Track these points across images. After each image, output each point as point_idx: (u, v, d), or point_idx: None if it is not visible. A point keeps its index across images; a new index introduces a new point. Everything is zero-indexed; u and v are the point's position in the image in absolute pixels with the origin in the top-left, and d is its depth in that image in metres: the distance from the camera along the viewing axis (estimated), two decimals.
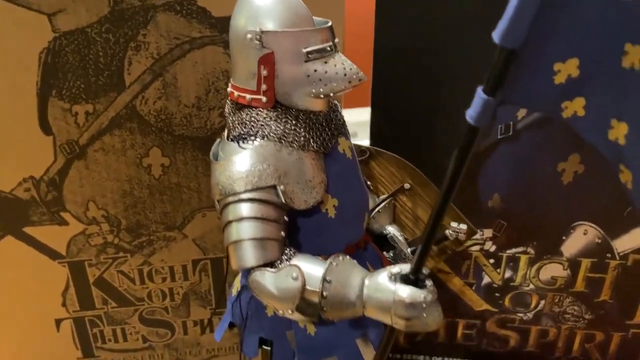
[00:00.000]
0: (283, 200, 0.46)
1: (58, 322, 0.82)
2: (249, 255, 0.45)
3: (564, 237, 0.79)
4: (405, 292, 0.42)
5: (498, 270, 0.83)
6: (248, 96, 0.48)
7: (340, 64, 0.47)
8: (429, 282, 0.43)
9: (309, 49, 0.46)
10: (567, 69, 0.37)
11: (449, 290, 0.85)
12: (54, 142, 0.69)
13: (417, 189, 0.63)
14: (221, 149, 0.50)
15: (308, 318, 0.47)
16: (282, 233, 0.47)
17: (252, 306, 0.52)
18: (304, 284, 0.44)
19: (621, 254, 0.79)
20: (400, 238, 0.61)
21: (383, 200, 0.63)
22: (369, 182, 0.64)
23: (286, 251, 0.46)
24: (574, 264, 0.81)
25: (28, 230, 0.74)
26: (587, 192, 0.75)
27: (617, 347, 0.87)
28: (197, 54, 0.66)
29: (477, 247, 0.81)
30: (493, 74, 0.36)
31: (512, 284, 0.84)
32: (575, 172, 0.74)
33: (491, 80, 0.36)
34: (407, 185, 0.64)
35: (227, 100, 0.52)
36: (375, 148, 0.64)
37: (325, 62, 0.47)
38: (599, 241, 0.79)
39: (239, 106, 0.50)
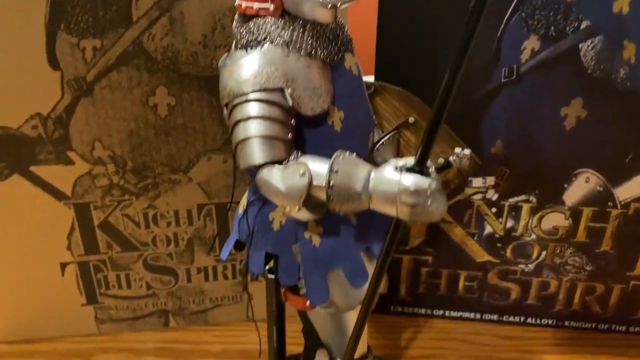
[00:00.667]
0: (290, 104, 0.47)
1: (63, 266, 0.83)
2: (257, 153, 0.46)
3: (565, 185, 0.79)
4: (410, 180, 0.42)
5: (500, 219, 0.83)
6: (256, 5, 0.49)
7: None
8: (433, 173, 0.44)
9: None
10: None
11: (451, 240, 0.86)
12: (62, 78, 0.69)
13: (422, 123, 0.64)
14: (229, 57, 0.51)
15: (314, 215, 0.48)
16: (290, 136, 0.47)
17: (258, 221, 0.52)
18: (311, 180, 0.45)
19: (622, 203, 0.80)
20: None
21: (387, 134, 0.64)
22: (373, 117, 0.64)
23: (293, 152, 0.47)
24: (575, 213, 0.81)
25: (34, 169, 0.75)
26: (590, 138, 0.76)
27: (617, 299, 0.88)
28: None
29: (479, 196, 0.82)
30: None
31: (513, 234, 0.84)
32: (577, 117, 0.75)
33: None
34: (411, 119, 0.64)
35: (235, 16, 0.53)
36: (380, 83, 0.65)
37: None
38: (601, 189, 0.79)
39: (246, 17, 0.51)
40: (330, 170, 0.45)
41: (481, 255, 0.87)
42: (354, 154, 0.46)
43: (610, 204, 0.80)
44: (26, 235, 0.79)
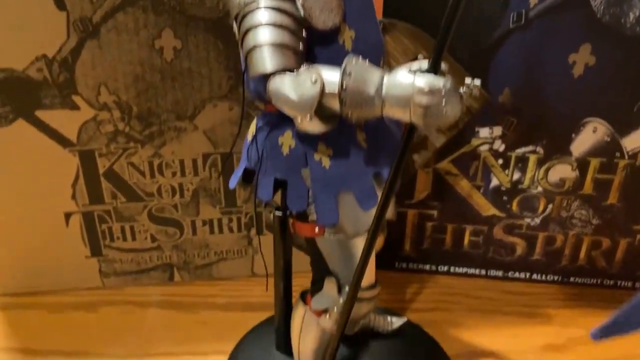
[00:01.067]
0: (302, 13, 0.46)
1: (67, 216, 0.82)
2: (267, 60, 0.45)
3: (573, 135, 0.79)
4: (423, 80, 0.42)
5: (506, 171, 0.83)
6: None
7: None
8: (447, 74, 0.43)
9: None
10: None
11: (457, 194, 0.86)
12: (67, 19, 0.69)
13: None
14: None
15: (326, 126, 0.47)
16: (301, 47, 0.47)
17: (267, 146, 0.52)
18: (323, 87, 0.45)
19: (630, 153, 0.79)
20: None
21: None
22: (383, 41, 0.63)
23: (304, 64, 0.47)
24: (582, 164, 0.81)
25: (39, 114, 0.74)
26: (598, 86, 0.75)
27: (623, 254, 0.87)
28: None
29: (486, 147, 0.81)
30: None
31: (520, 186, 0.84)
32: (586, 64, 0.74)
33: None
34: (420, 57, 0.64)
35: None
36: (388, 20, 0.64)
37: None
38: (608, 139, 0.79)
39: None
40: (344, 72, 0.44)
41: (487, 208, 0.86)
42: (367, 59, 0.46)
43: (617, 154, 0.80)
44: (30, 183, 0.78)
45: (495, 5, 0.72)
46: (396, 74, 0.43)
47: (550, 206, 0.85)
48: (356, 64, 0.45)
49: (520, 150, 0.81)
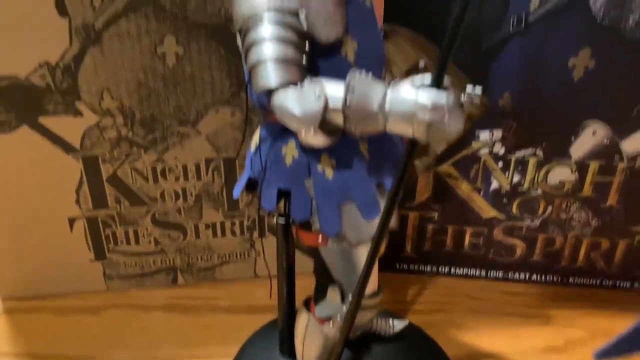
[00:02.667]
0: (305, 27, 0.47)
1: (71, 221, 0.83)
2: (272, 75, 0.46)
3: (572, 138, 0.80)
4: (426, 96, 0.42)
5: (506, 174, 0.84)
6: None
7: None
8: (451, 89, 0.43)
9: None
10: None
11: (457, 196, 0.86)
12: (70, 25, 0.69)
13: (432, 64, 0.64)
14: None
15: (329, 139, 0.48)
16: (304, 60, 0.47)
17: (270, 156, 0.52)
18: (326, 101, 0.45)
19: (629, 156, 0.80)
20: None
21: (398, 77, 0.64)
22: (385, 51, 0.64)
23: (307, 77, 0.47)
24: (582, 167, 0.82)
25: (43, 120, 0.75)
26: (597, 90, 0.76)
27: (622, 255, 0.88)
28: None
29: (486, 150, 0.82)
30: None
31: (520, 189, 0.85)
32: (585, 68, 0.75)
33: None
34: (421, 64, 0.64)
35: None
36: (389, 26, 0.65)
37: None
38: (607, 142, 0.79)
39: None
40: (347, 88, 0.44)
41: (487, 211, 0.87)
42: (370, 73, 0.46)
43: (616, 157, 0.80)
44: (34, 188, 0.79)
45: (495, 10, 0.73)
46: (399, 89, 0.44)
47: (549, 208, 0.86)
48: (359, 79, 0.45)
49: (520, 153, 0.82)
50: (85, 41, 0.70)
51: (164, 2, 0.69)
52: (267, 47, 0.46)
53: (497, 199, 0.86)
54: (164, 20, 0.70)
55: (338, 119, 0.46)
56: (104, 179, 0.80)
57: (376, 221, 0.51)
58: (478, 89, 0.49)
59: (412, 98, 0.43)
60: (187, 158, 0.80)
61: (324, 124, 0.46)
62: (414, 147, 0.44)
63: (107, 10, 0.69)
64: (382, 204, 0.52)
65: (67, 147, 0.77)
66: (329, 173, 0.51)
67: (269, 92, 0.47)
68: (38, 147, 0.76)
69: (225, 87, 0.76)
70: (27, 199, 0.80)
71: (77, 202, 0.81)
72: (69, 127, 0.76)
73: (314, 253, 0.58)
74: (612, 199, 0.84)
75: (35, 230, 0.83)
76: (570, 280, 0.92)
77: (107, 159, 0.79)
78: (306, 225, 0.54)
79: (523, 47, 0.74)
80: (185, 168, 0.81)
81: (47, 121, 0.75)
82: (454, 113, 0.42)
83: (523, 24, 0.73)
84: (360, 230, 0.53)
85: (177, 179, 0.82)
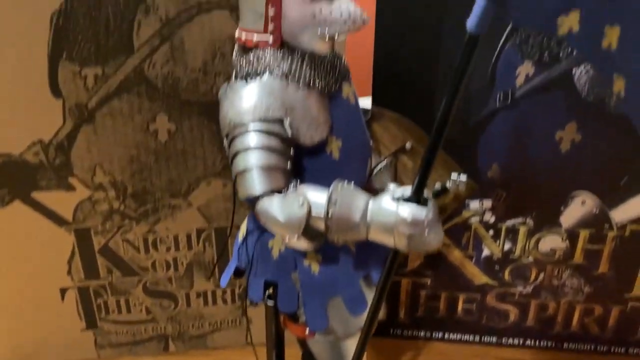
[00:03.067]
0: (290, 134, 0.48)
1: (63, 291, 0.83)
2: (256, 183, 0.47)
3: (562, 208, 0.80)
4: (407, 211, 0.43)
5: (497, 242, 0.84)
6: (255, 37, 0.50)
7: (346, 5, 0.49)
8: (430, 203, 0.44)
9: None
10: None
11: (449, 263, 0.86)
12: (64, 105, 0.70)
13: (419, 148, 0.65)
14: (229, 87, 0.52)
15: (313, 244, 0.48)
16: (289, 166, 0.48)
17: (257, 249, 0.53)
18: (309, 210, 0.46)
19: (619, 225, 0.80)
20: None
21: (384, 159, 0.65)
22: (371, 143, 0.65)
23: (292, 182, 0.48)
24: (572, 235, 0.82)
25: (36, 195, 0.75)
26: (585, 161, 0.77)
27: (615, 321, 0.88)
28: (205, 18, 0.68)
29: (476, 218, 0.82)
30: None
31: (511, 256, 0.85)
32: (572, 141, 0.76)
33: None
34: (408, 145, 0.65)
35: (235, 46, 0.54)
36: (377, 108, 0.66)
37: (331, 3, 0.48)
38: (597, 211, 0.80)
39: (246, 49, 0.51)
40: (329, 201, 0.45)
41: (479, 277, 0.87)
42: (352, 183, 0.47)
43: (606, 225, 0.81)
44: (27, 260, 0.79)
45: (481, 86, 0.74)
46: (381, 201, 0.45)
47: (541, 275, 0.86)
48: (342, 190, 0.46)
49: (510, 222, 0.82)
50: (79, 120, 0.71)
51: (156, 82, 0.71)
52: (253, 155, 0.47)
53: (489, 265, 0.86)
54: (156, 99, 0.72)
55: (321, 225, 0.46)
56: (96, 250, 0.80)
57: (364, 314, 0.51)
58: (463, 176, 0.51)
59: (392, 210, 0.43)
60: (179, 229, 0.81)
61: (307, 231, 0.47)
62: (396, 255, 0.44)
63: (100, 91, 0.70)
64: (369, 295, 0.52)
65: (59, 221, 0.77)
66: (315, 268, 0.51)
67: (254, 199, 0.47)
68: (31, 221, 0.76)
69: (217, 160, 0.77)
70: (20, 270, 0.80)
71: (69, 272, 0.81)
72: (62, 201, 0.76)
73: (301, 341, 0.58)
74: (603, 266, 0.84)
75: (27, 301, 0.82)
76: (565, 345, 0.91)
77: (99, 231, 0.79)
78: (293, 316, 0.54)
79: (510, 120, 0.75)
80: (176, 238, 0.81)
81: (40, 196, 0.75)
82: (434, 227, 0.43)
83: (509, 99, 0.74)
84: (347, 324, 0.53)
85: (168, 249, 0.82)
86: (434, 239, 0.43)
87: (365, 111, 0.66)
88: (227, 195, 0.79)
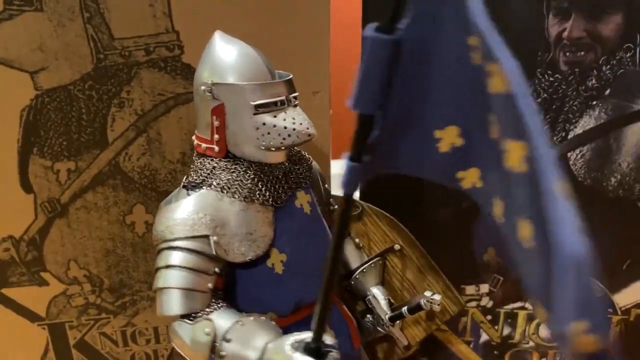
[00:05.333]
0: (214, 252, 0.47)
1: None
2: (174, 305, 0.47)
3: None
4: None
5: (496, 327, 0.80)
6: (203, 145, 0.51)
7: (291, 118, 0.48)
8: (332, 352, 0.43)
9: (257, 102, 0.48)
10: (448, 137, 0.36)
11: (447, 349, 0.82)
12: (35, 201, 0.67)
13: (407, 251, 0.61)
14: (174, 196, 0.53)
15: None
16: (210, 285, 0.48)
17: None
18: (214, 339, 0.45)
19: (623, 309, 0.77)
20: (383, 301, 0.59)
21: (369, 260, 0.61)
22: (357, 240, 0.62)
23: (212, 303, 0.48)
24: None
25: (6, 291, 0.72)
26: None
27: None
28: (182, 109, 0.65)
29: (473, 303, 0.78)
30: (355, 139, 0.36)
31: (511, 341, 0.80)
32: None
33: (354, 146, 0.36)
34: (397, 247, 0.62)
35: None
36: (368, 205, 0.63)
37: (275, 116, 0.48)
38: (600, 296, 0.76)
39: (198, 154, 0.52)
40: (223, 338, 0.45)
41: None
42: (261, 317, 0.47)
43: (610, 310, 0.77)
44: None
45: None
46: (281, 344, 0.44)
47: None
48: (242, 325, 0.45)
49: (508, 307, 0.78)
50: (51, 214, 0.68)
51: (133, 174, 0.68)
52: (173, 275, 0.47)
53: (487, 351, 0.82)
54: (133, 191, 0.69)
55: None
56: (71, 345, 0.76)
57: None
58: (436, 296, 0.54)
59: (288, 356, 0.43)
60: (159, 320, 0.76)
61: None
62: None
63: (73, 185, 0.67)
64: None
65: (32, 316, 0.73)
66: None
67: (169, 318, 0.48)
68: (1, 317, 0.72)
69: None
70: None
71: None
72: (34, 297, 0.72)
73: None
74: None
75: None
76: None
77: (74, 325, 0.75)
78: None
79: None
80: (156, 330, 0.77)
81: (10, 292, 0.72)
82: None
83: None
84: None
85: (148, 341, 0.78)
86: None
87: (355, 205, 0.62)
88: None
